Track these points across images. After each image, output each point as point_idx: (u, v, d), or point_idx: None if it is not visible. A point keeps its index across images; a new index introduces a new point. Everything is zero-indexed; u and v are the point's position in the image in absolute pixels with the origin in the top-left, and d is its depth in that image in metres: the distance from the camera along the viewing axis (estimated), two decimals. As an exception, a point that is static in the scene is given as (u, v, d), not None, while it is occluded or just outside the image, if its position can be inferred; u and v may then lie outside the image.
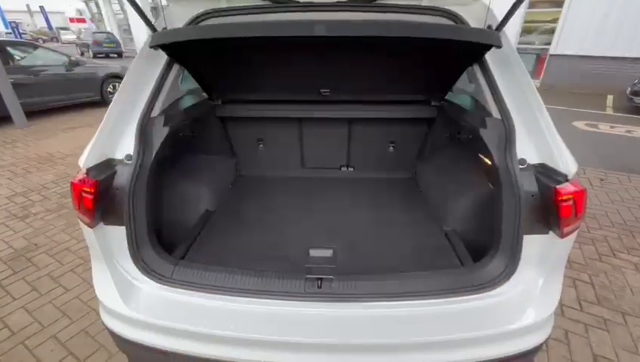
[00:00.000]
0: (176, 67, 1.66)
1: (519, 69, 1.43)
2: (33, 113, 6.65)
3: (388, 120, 2.42)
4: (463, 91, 2.06)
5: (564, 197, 1.13)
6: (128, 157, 1.35)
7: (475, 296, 1.24)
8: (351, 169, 2.79)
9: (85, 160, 1.26)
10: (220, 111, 2.40)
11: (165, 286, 1.30)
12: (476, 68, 1.58)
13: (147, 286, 1.31)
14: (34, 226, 3.19)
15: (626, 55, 9.46)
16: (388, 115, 2.37)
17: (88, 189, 1.20)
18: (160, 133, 1.46)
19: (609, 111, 7.96)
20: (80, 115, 7.10)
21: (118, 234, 1.33)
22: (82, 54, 18.75)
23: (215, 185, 2.31)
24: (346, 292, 1.25)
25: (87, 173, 1.24)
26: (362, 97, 2.32)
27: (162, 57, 1.59)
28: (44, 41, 28.60)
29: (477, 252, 1.57)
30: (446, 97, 2.29)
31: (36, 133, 5.92)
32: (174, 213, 1.87)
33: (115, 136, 1.38)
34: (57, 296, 2.36)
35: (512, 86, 1.41)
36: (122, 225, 1.31)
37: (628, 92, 7.83)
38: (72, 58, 7.25)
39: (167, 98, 1.61)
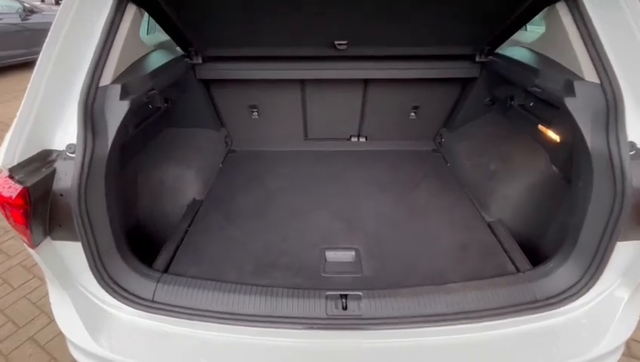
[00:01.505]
0: (132, 9, 1.18)
1: (632, 8, 1.00)
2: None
3: (414, 81, 1.99)
4: (514, 42, 1.64)
5: None
6: (71, 147, 0.96)
7: (541, 314, 0.98)
8: (362, 139, 2.41)
9: (4, 155, 0.87)
10: (202, 73, 1.94)
11: (145, 313, 1.01)
12: (560, 6, 1.16)
13: (121, 314, 1.02)
14: None
15: None
16: (417, 74, 1.93)
17: (14, 201, 0.83)
18: (117, 111, 1.06)
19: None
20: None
21: (73, 250, 1.00)
22: (43, 0, 16.72)
23: (202, 166, 1.95)
24: (381, 316, 0.98)
25: (10, 176, 0.87)
26: (386, 52, 1.86)
27: None
28: (-2, -16, 25.37)
29: (529, 251, 1.30)
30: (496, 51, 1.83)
31: (-7, 95, 5.28)
32: (154, 207, 1.55)
33: (49, 116, 0.97)
34: (33, 289, 2.09)
35: (619, 36, 1.02)
36: (76, 240, 0.97)
37: None
38: (26, 4, 6.28)
39: (125, 57, 1.18)
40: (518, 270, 1.28)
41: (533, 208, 1.49)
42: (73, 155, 0.95)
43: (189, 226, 1.59)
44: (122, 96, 1.08)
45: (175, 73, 1.68)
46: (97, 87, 1.03)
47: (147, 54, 1.50)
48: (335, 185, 1.93)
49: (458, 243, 1.48)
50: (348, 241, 1.49)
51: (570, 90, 1.07)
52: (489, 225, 1.58)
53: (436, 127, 2.34)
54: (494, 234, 1.52)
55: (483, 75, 1.91)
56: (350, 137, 2.42)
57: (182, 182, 1.79)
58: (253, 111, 2.25)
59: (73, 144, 0.96)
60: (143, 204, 1.56)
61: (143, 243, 1.32)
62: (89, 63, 1.02)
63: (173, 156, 1.84)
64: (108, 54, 1.07)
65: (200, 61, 1.87)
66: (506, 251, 1.41)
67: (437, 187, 1.89)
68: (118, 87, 1.08)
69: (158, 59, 1.55)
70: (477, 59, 1.85)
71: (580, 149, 1.05)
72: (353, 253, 1.41)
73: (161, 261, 1.34)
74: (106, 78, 1.07)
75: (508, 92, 1.68)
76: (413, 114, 2.25)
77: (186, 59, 1.84)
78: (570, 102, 1.05)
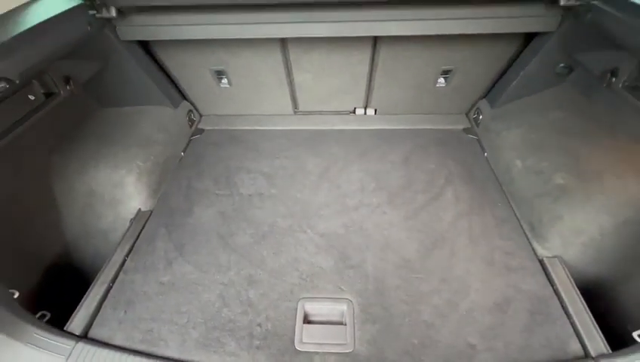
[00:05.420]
0: None
1: None
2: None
3: (449, 36, 1.36)
4: None
5: None
6: None
7: None
8: (371, 111, 1.86)
9: None
10: (127, 32, 1.35)
11: None
12: None
13: None
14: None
15: None
16: (457, 27, 1.29)
17: None
18: None
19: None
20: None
21: None
22: None
23: (149, 165, 1.48)
24: None
25: None
26: None
27: None
28: None
29: (601, 315, 0.96)
30: None
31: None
32: (82, 228, 1.25)
33: None
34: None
35: None
36: None
37: None
38: None
39: None
40: (586, 354, 0.90)
41: (620, 254, 1.03)
42: None
43: (127, 256, 1.20)
44: None
45: (68, 36, 1.12)
46: None
47: (21, 7, 0.98)
48: (328, 189, 1.45)
49: (496, 297, 1.06)
50: (337, 286, 1.11)
51: None
52: (542, 264, 1.13)
53: (473, 97, 1.74)
54: (550, 282, 1.08)
55: (564, 27, 1.28)
56: (355, 109, 1.87)
57: (120, 190, 1.37)
58: (221, 78, 1.67)
59: None
60: (66, 225, 1.23)
61: (69, 282, 1.08)
62: None
63: (107, 153, 1.39)
64: None
65: (114, 14, 1.25)
66: (567, 314, 1.00)
67: (470, 196, 1.38)
68: None
69: (36, 15, 1.00)
70: (562, 2, 1.19)
71: None
72: (344, 307, 1.05)
73: (80, 318, 1.02)
74: None
75: (608, 61, 1.09)
76: (442, 80, 1.63)
77: (91, 12, 1.23)
78: None
